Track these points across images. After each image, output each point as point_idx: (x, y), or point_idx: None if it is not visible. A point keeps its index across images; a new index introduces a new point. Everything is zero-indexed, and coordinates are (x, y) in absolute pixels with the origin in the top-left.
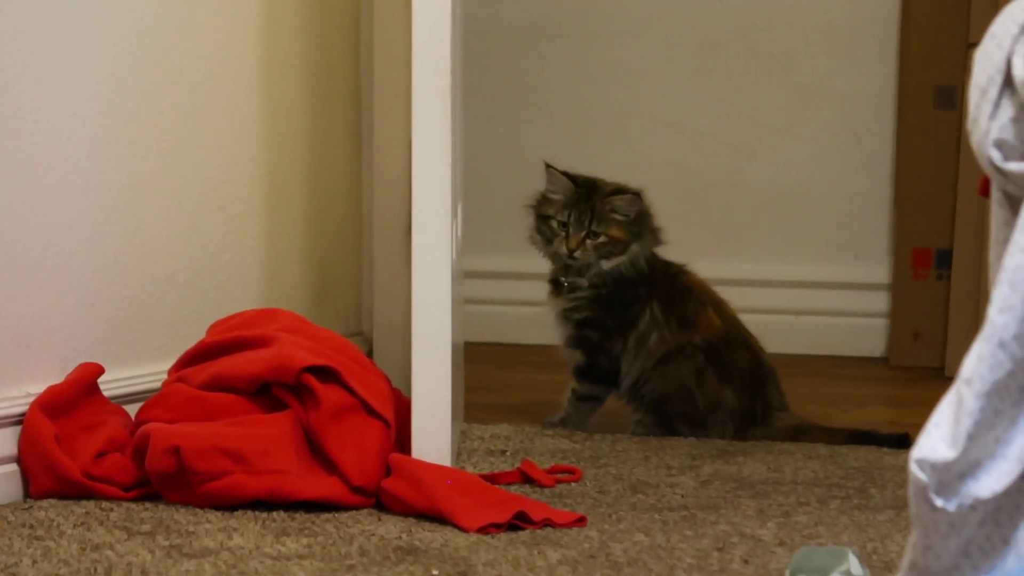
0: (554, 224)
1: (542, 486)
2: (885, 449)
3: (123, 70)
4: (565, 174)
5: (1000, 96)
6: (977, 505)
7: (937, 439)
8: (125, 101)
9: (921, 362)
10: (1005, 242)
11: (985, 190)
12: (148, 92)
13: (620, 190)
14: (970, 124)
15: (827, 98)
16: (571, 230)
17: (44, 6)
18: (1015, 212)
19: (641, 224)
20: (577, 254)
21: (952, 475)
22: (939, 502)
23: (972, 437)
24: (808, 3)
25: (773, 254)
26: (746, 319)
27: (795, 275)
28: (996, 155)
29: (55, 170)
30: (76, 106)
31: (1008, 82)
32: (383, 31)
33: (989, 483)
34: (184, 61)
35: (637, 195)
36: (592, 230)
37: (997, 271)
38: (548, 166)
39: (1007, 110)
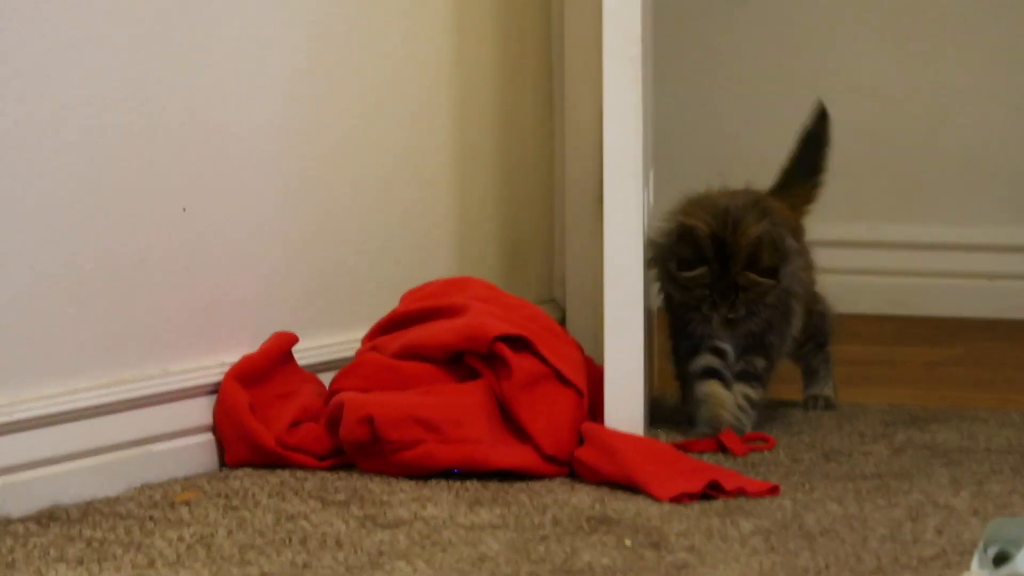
0: (696, 292)
1: (736, 455)
2: None
3: (313, 41)
4: (695, 237)
5: None
6: None
7: None
8: (315, 72)
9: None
10: None
11: None
12: (339, 62)
13: (755, 257)
14: None
15: (1019, 62)
16: (717, 301)
17: None
18: None
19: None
20: (732, 315)
21: None
22: None
23: None
24: None
25: (966, 218)
26: (940, 283)
27: (988, 238)
28: None
29: (247, 144)
30: (266, 77)
31: None
32: None
33: None
34: (375, 30)
35: (774, 272)
36: (738, 298)
37: None
38: (682, 228)
39: None
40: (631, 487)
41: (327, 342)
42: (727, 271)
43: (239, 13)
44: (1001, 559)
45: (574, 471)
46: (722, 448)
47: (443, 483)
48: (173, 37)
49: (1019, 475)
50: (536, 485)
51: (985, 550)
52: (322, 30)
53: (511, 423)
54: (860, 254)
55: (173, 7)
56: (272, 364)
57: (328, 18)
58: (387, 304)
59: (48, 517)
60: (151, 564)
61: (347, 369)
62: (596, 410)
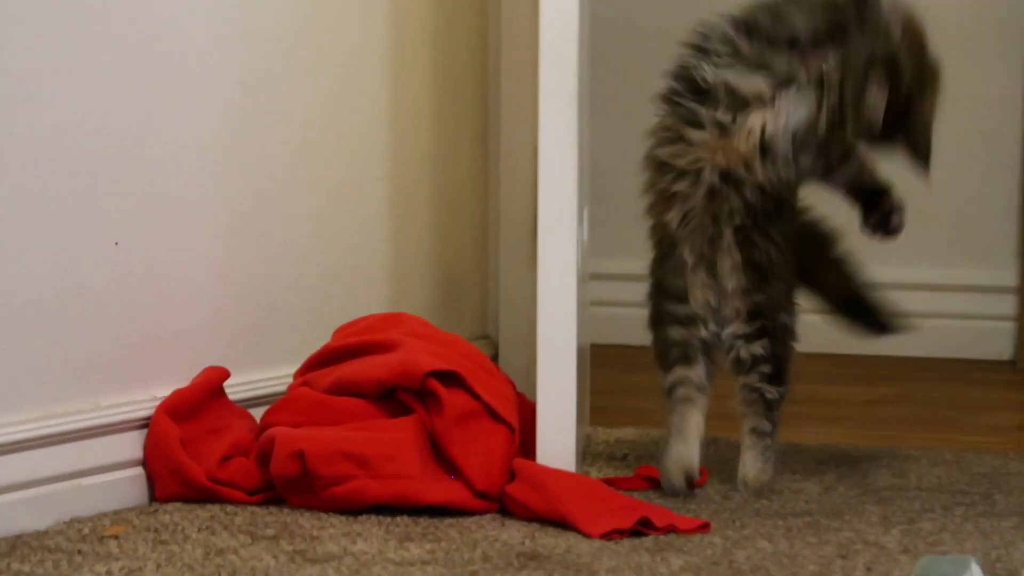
0: None
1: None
2: (1011, 455)
3: (252, 76)
4: None
5: None
6: None
7: None
8: (254, 107)
9: None
10: None
11: None
12: (277, 98)
13: None
14: None
15: (956, 103)
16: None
17: (171, 13)
18: None
19: None
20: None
21: None
22: None
23: None
24: (938, 8)
25: (900, 258)
26: None
27: (923, 278)
28: None
29: (183, 176)
30: (206, 115)
31: None
32: (510, 35)
33: None
34: (313, 67)
35: None
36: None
37: None
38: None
39: None
40: (562, 523)
41: (259, 377)
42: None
43: (176, 47)
44: None
45: (505, 507)
46: (652, 484)
47: (373, 518)
48: (109, 73)
49: (950, 513)
50: (467, 521)
51: None
52: (260, 66)
53: (443, 459)
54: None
55: (108, 44)
56: (203, 399)
57: (266, 54)
58: (320, 339)
59: None
60: None
61: (279, 404)
62: (528, 446)
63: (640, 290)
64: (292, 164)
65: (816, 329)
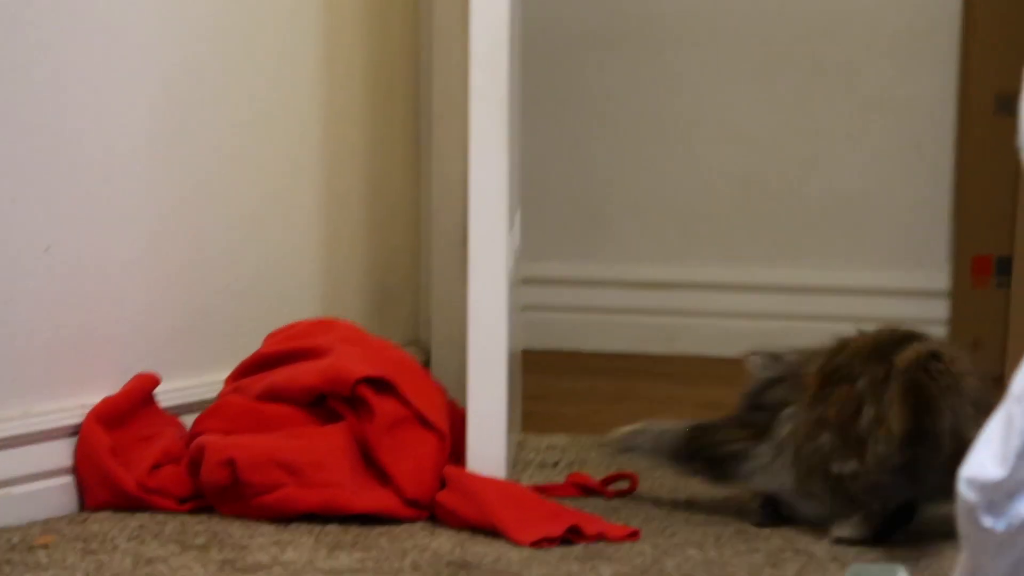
0: None
1: (603, 494)
2: None
3: (180, 79)
4: None
5: None
6: None
7: (986, 457)
8: (184, 110)
9: (981, 371)
10: None
11: None
12: (207, 101)
13: None
14: (1020, 140)
15: (889, 107)
16: None
17: (100, 14)
18: None
19: None
20: None
21: (1001, 494)
22: (988, 522)
23: (1022, 456)
24: (870, 12)
25: (834, 262)
26: (808, 327)
27: (855, 282)
28: None
29: (113, 181)
30: (134, 116)
31: None
32: (442, 41)
33: None
34: (244, 70)
35: None
36: None
37: None
38: None
39: None
40: (492, 531)
41: (190, 384)
42: None
43: (103, 48)
44: None
45: (435, 515)
46: (584, 491)
47: (303, 527)
48: (36, 74)
49: None
50: (397, 529)
51: None
52: (189, 68)
53: (373, 466)
54: (730, 297)
55: (36, 43)
56: (133, 406)
57: (194, 57)
58: (252, 345)
59: None
60: None
61: (209, 411)
62: (459, 453)
63: (573, 295)
64: (222, 168)
65: (748, 333)
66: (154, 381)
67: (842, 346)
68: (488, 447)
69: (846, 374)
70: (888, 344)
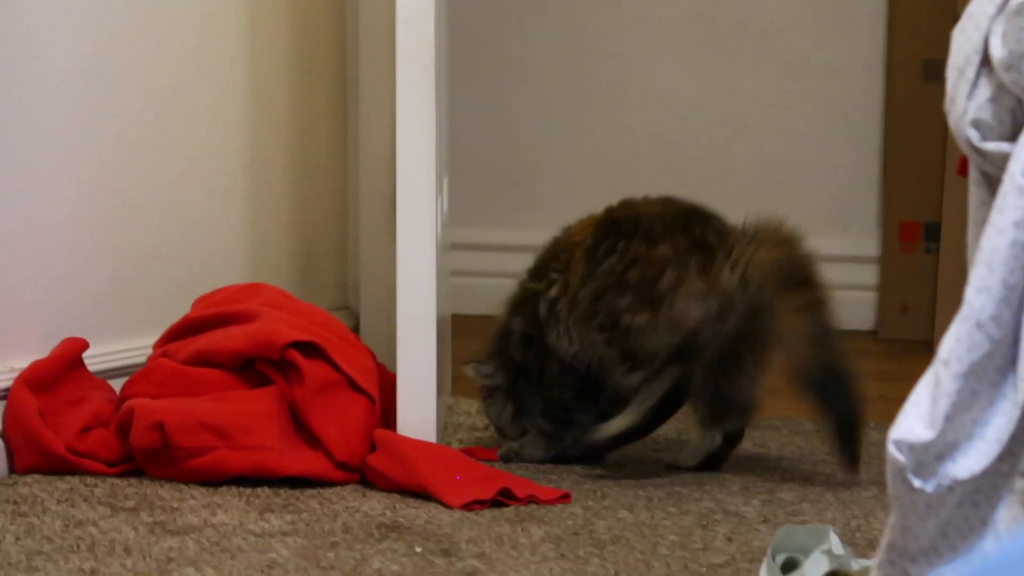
0: None
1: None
2: (871, 424)
3: (106, 43)
4: None
5: (977, 76)
6: (955, 486)
7: (915, 419)
8: (108, 74)
9: (909, 335)
10: (983, 222)
11: (963, 170)
12: (131, 65)
13: None
14: (948, 104)
15: (816, 72)
16: None
17: None
18: (993, 192)
19: None
20: None
21: (930, 456)
22: (917, 483)
23: (950, 418)
24: None
25: None
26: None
27: None
28: (974, 135)
29: (36, 143)
30: (58, 79)
31: (985, 61)
32: (368, 5)
33: (967, 464)
34: (168, 34)
35: None
36: None
37: (975, 251)
38: None
39: (984, 90)
40: (423, 494)
41: (118, 348)
42: None
43: (29, 10)
44: (789, 567)
45: (366, 478)
46: None
47: (234, 490)
48: None
49: (809, 483)
50: (327, 492)
51: (774, 557)
52: (114, 33)
53: (303, 430)
54: None
55: None
56: (62, 370)
57: (120, 22)
58: (179, 310)
59: None
60: None
61: (138, 375)
62: (389, 417)
63: (500, 260)
64: (146, 133)
65: None
66: (83, 345)
67: (626, 204)
68: (418, 411)
69: (635, 231)
70: (694, 218)
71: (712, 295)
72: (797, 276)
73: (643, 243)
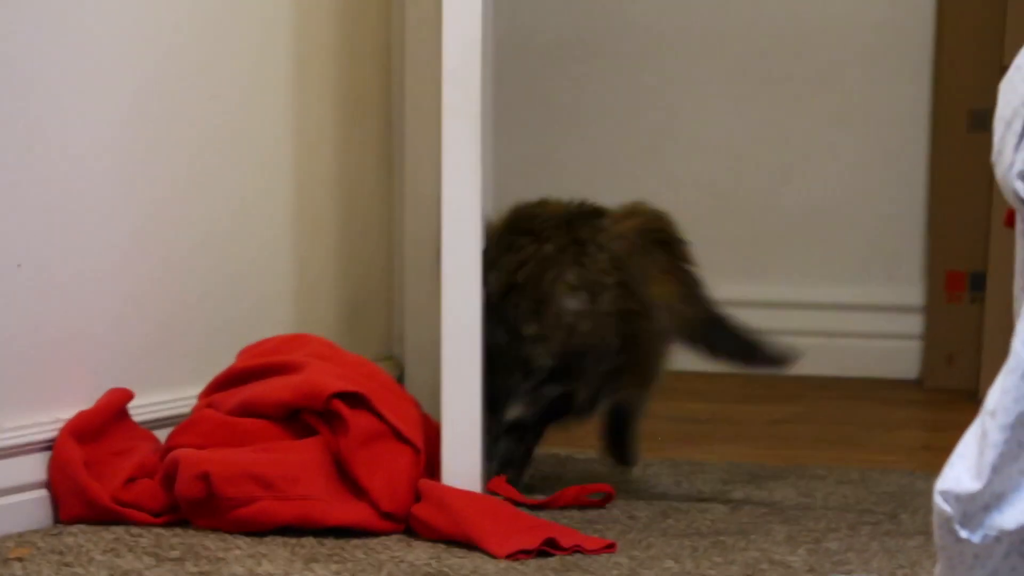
0: None
1: (580, 505)
2: (916, 474)
3: (152, 93)
4: None
5: None
6: (1002, 537)
7: (961, 470)
8: (154, 125)
9: (954, 385)
10: None
11: (1011, 221)
12: (177, 115)
13: None
14: (995, 156)
15: (862, 120)
16: None
17: (68, 27)
18: None
19: None
20: None
21: (977, 507)
22: (964, 533)
23: (996, 469)
24: (843, 25)
25: (807, 276)
26: (781, 341)
27: (829, 297)
28: (1021, 187)
29: (83, 196)
30: (103, 130)
31: None
32: (414, 56)
33: (1014, 515)
34: (215, 84)
35: None
36: None
37: (1022, 302)
38: None
39: None
40: (468, 544)
41: (163, 399)
42: None
43: (74, 63)
44: None
45: (411, 528)
46: (560, 505)
47: (279, 540)
48: (3, 90)
49: (856, 532)
50: (372, 542)
51: None
52: (161, 84)
53: (348, 480)
54: None
55: (4, 58)
56: (107, 420)
57: (167, 73)
58: (225, 361)
59: None
60: None
61: (183, 426)
62: (433, 467)
63: None
64: (193, 183)
65: None
66: (128, 395)
67: (542, 203)
68: (463, 460)
69: (532, 229)
70: (579, 217)
71: (583, 285)
72: (657, 235)
73: (533, 243)
